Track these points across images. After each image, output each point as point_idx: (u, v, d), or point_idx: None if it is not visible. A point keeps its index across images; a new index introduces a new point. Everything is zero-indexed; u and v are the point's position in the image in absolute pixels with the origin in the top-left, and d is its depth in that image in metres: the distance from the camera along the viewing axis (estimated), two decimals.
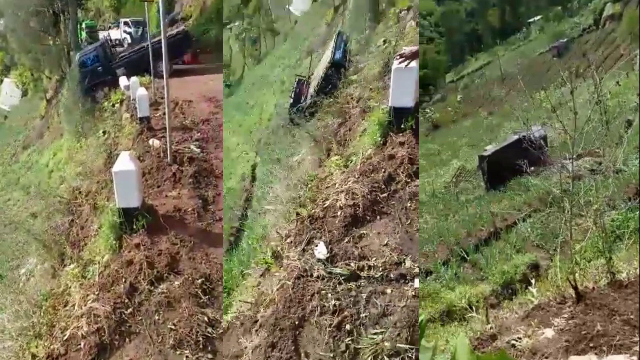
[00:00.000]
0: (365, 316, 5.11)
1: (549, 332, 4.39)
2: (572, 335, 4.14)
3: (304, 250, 6.33)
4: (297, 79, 20.41)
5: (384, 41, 16.45)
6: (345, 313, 5.14)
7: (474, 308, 8.61)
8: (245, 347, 5.42)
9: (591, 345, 3.96)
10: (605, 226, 5.40)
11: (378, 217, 6.67)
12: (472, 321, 7.37)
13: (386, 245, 6.06)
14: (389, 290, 5.36)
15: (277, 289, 5.81)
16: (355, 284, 5.50)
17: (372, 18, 19.73)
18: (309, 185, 8.67)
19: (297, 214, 7.27)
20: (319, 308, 5.26)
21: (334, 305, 5.23)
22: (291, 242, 6.76)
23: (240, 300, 6.16)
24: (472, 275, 11.55)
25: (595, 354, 3.87)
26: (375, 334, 4.91)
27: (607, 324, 4.09)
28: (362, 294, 5.34)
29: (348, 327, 5.04)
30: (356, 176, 7.55)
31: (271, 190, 12.56)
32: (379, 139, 8.52)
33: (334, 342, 5.00)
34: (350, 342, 4.94)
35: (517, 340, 4.49)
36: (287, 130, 18.58)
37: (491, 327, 5.24)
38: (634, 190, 11.73)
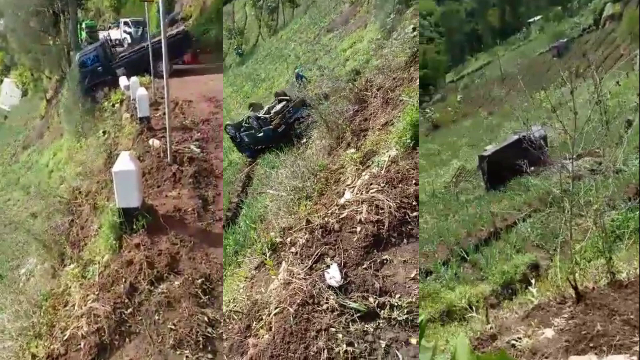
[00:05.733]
0: None
1: (549, 332, 4.39)
2: (572, 335, 4.14)
3: (311, 268, 5.32)
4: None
5: (414, 28, 14.62)
6: None
7: (474, 308, 8.63)
8: None
9: (591, 345, 3.96)
10: (605, 226, 5.38)
11: (405, 241, 5.37)
12: (472, 321, 7.37)
13: (413, 279, 4.85)
14: (413, 341, 4.21)
15: (276, 314, 4.89)
16: (372, 324, 4.44)
17: (400, 0, 17.93)
18: (318, 176, 7.73)
19: (308, 221, 6.27)
20: (325, 351, 4.26)
21: (345, 351, 4.21)
22: (296, 253, 5.79)
23: (231, 311, 5.74)
24: (472, 275, 11.56)
25: (595, 354, 3.87)
26: None
27: (607, 324, 4.09)
28: (381, 341, 4.28)
29: None
30: (381, 184, 6.26)
31: (274, 172, 11.59)
32: (409, 140, 7.07)
33: None
34: None
35: (517, 340, 4.49)
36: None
37: (491, 327, 5.23)
38: (634, 190, 11.73)
